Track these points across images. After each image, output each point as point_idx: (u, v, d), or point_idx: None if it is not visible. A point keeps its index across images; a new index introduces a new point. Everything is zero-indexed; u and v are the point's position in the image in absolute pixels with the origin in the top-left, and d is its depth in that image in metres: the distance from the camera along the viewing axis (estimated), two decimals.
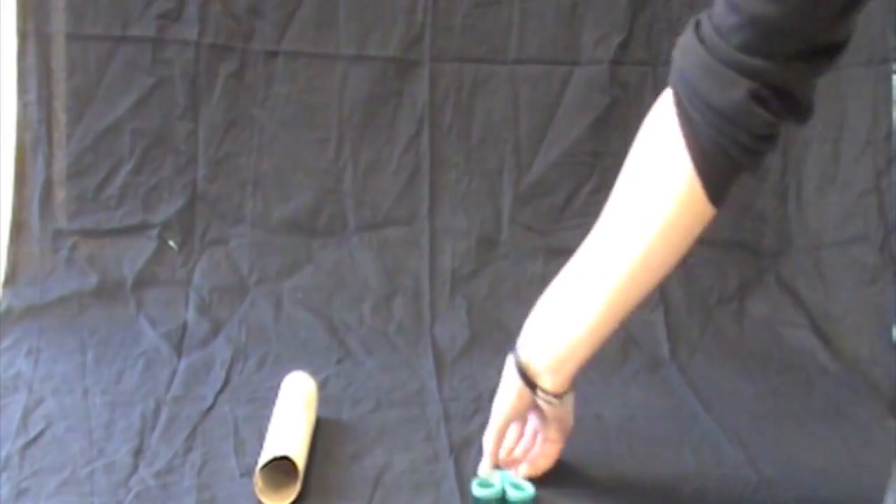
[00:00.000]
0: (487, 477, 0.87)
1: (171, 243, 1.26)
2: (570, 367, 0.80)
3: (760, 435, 1.00)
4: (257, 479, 0.86)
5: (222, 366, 1.10)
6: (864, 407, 1.06)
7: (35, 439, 0.93)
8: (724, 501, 0.89)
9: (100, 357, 1.09)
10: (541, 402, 0.83)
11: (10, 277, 1.20)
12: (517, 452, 0.89)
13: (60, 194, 1.24)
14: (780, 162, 1.30)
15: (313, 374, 1.09)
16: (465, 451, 0.95)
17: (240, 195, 1.28)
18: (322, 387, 1.08)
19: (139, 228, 1.25)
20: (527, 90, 1.31)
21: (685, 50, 0.66)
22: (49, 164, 1.24)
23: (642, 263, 0.73)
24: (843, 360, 1.17)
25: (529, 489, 0.86)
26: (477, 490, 0.86)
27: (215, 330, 1.17)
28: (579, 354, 0.79)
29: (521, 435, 0.89)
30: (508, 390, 0.83)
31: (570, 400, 0.85)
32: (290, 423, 0.92)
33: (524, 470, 0.88)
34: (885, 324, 1.16)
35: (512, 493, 0.86)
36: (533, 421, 0.88)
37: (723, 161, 0.67)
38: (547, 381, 0.80)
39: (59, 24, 1.23)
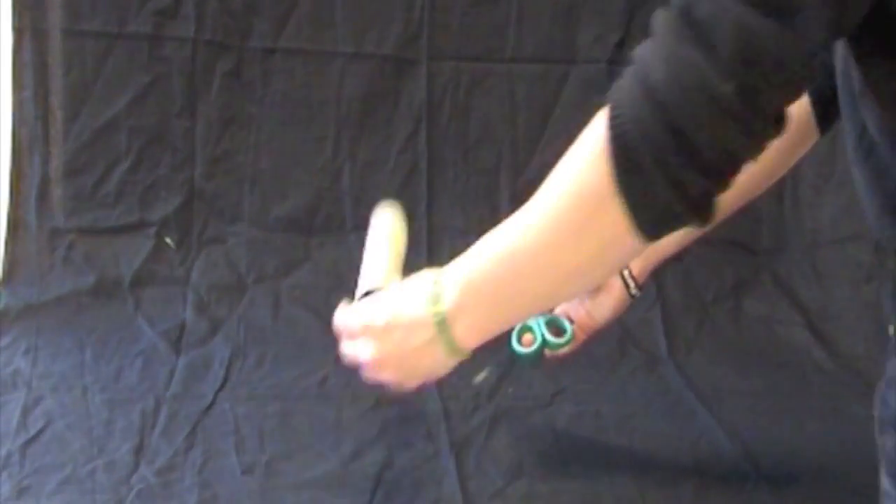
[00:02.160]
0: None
1: (169, 241, 1.26)
2: None
3: (758, 431, 1.01)
4: None
5: (221, 364, 1.10)
6: (860, 404, 1.07)
7: (35, 437, 0.94)
8: (723, 497, 0.91)
9: (98, 355, 1.10)
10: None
11: (8, 276, 1.20)
12: None
13: (57, 192, 1.24)
14: None
15: (312, 372, 1.10)
16: (466, 449, 0.96)
17: (237, 193, 1.28)
18: (321, 384, 1.09)
19: (137, 226, 1.25)
20: (524, 89, 1.32)
21: None
22: (46, 161, 1.24)
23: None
24: (839, 358, 1.19)
25: (568, 330, 0.86)
26: (518, 346, 0.85)
27: (214, 328, 1.17)
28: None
29: None
30: None
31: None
32: (376, 260, 0.86)
33: None
34: (880, 322, 1.18)
35: (552, 339, 0.85)
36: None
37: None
38: None
39: (55, 20, 1.23)
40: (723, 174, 0.53)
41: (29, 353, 1.09)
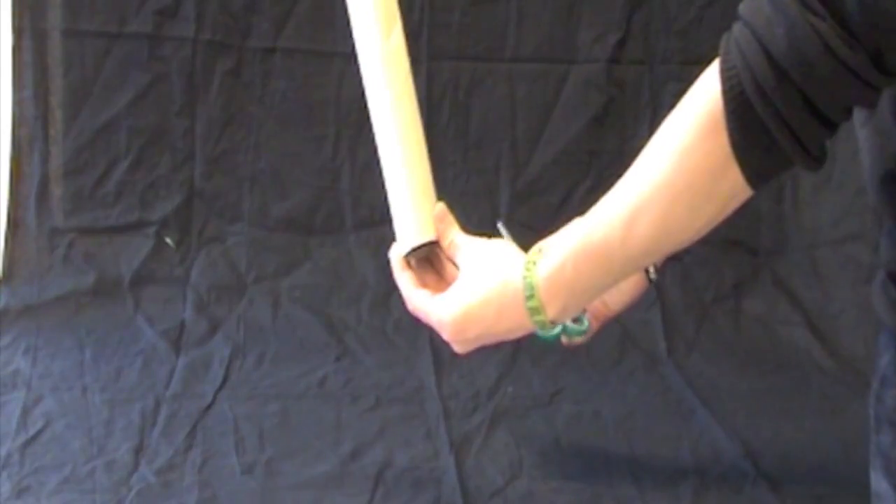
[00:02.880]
0: None
1: (169, 241, 1.26)
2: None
3: (758, 430, 1.02)
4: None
5: (221, 364, 1.11)
6: (859, 404, 1.07)
7: (35, 437, 0.94)
8: (723, 495, 0.91)
9: (98, 355, 1.10)
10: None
11: (7, 276, 1.20)
12: None
13: (57, 191, 1.24)
14: None
15: (311, 372, 1.10)
16: (465, 448, 0.97)
17: (237, 193, 1.29)
18: (321, 384, 1.09)
19: (136, 226, 1.26)
20: (524, 88, 1.32)
21: None
22: (45, 160, 1.24)
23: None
24: (839, 358, 1.19)
25: (584, 320, 0.83)
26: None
27: (213, 328, 1.18)
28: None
29: None
30: None
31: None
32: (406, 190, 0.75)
33: None
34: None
35: (571, 324, 0.82)
36: None
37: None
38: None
39: (55, 20, 1.23)
40: (839, 124, 0.55)
41: (28, 353, 1.09)
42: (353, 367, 1.13)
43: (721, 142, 0.55)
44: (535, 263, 0.64)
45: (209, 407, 1.02)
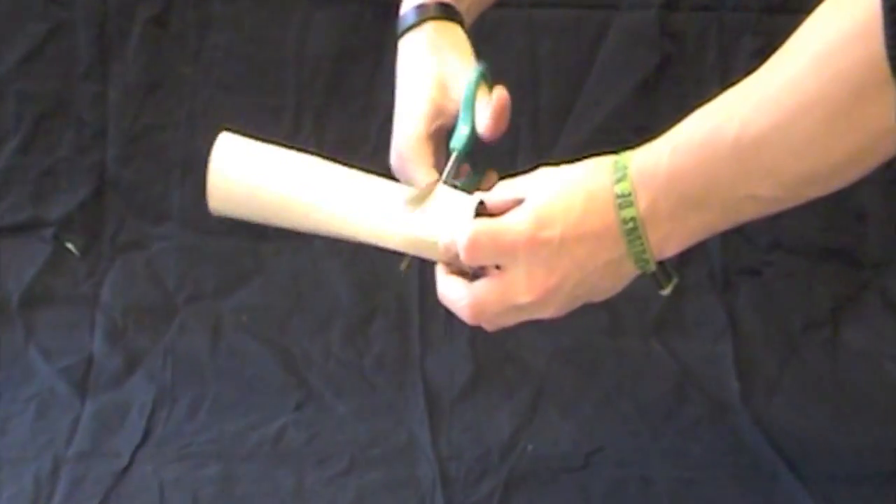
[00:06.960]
0: None
1: (71, 247, 1.27)
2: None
3: (862, 502, 1.02)
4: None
5: (141, 412, 1.11)
6: None
7: None
8: None
9: None
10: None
11: None
12: None
13: None
14: None
15: (264, 423, 1.11)
16: None
17: (164, 183, 1.30)
18: (276, 440, 1.10)
19: (28, 227, 1.27)
20: (548, 44, 1.33)
21: None
22: None
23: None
24: None
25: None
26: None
27: (131, 364, 1.19)
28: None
29: None
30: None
31: None
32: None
33: None
34: None
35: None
36: None
37: None
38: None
39: None
40: None
41: None
42: (320, 418, 1.14)
43: (874, 51, 0.56)
44: (629, 152, 0.67)
45: (126, 470, 1.03)
